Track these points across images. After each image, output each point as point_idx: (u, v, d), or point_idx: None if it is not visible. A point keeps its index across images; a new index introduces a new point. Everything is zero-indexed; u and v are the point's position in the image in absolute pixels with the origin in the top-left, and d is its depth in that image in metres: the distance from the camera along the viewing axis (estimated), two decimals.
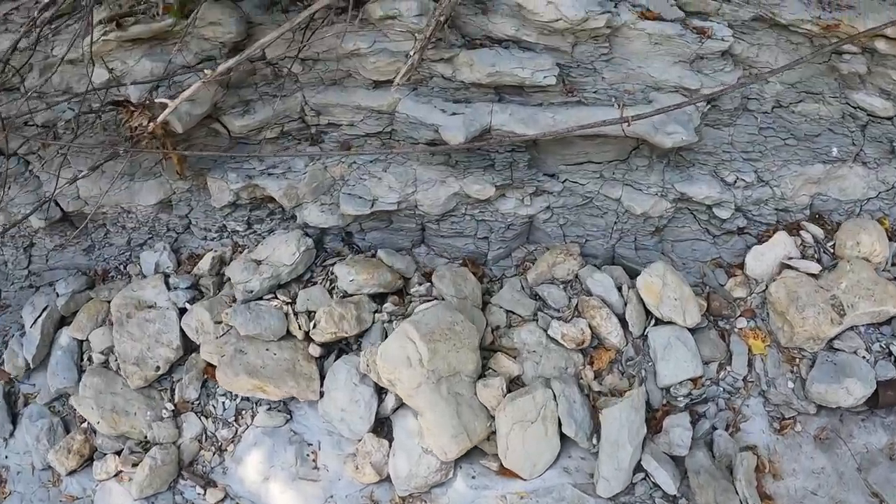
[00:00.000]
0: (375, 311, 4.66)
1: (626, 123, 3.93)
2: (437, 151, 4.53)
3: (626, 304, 4.73)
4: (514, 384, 4.50)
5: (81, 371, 5.15)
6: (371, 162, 4.79)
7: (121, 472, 4.80)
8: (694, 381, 4.53)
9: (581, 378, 4.64)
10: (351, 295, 4.66)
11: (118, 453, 4.86)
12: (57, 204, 5.17)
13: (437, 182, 4.69)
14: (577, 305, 4.77)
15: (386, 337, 4.53)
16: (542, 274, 4.92)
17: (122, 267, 5.41)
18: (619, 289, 4.78)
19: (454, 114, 4.36)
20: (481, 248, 5.03)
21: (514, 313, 4.82)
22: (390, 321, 4.63)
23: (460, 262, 5.05)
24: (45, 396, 5.23)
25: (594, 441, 4.37)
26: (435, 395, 4.12)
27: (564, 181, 4.76)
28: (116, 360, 4.89)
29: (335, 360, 4.61)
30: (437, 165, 4.69)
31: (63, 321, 5.38)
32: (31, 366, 5.26)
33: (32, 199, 5.09)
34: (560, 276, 4.89)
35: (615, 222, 4.84)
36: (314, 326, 4.51)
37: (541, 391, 4.34)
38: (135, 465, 4.72)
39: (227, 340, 4.63)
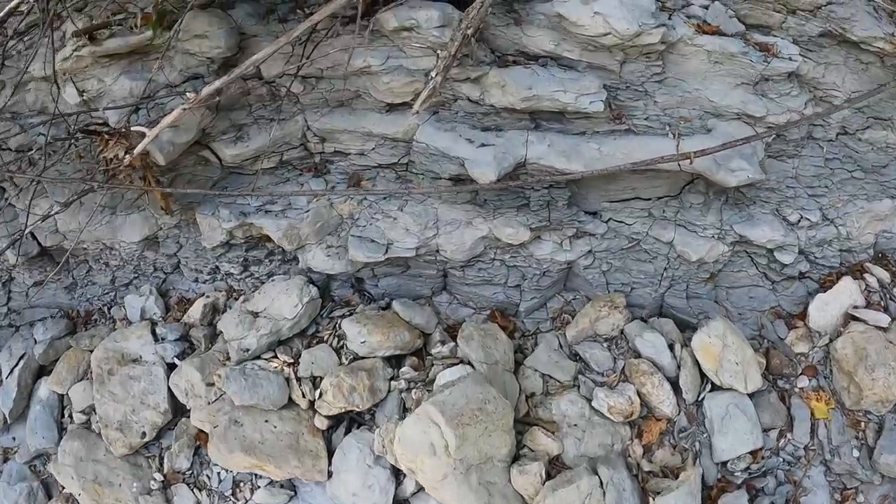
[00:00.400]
0: (391, 379, 4.01)
1: (688, 161, 3.33)
2: (462, 191, 3.85)
3: (679, 368, 4.11)
4: (554, 465, 3.85)
5: (63, 429, 4.58)
6: (385, 199, 4.12)
7: None
8: (753, 453, 4.00)
9: (629, 455, 3.99)
10: (362, 357, 4.01)
11: None
12: (34, 238, 4.60)
13: (462, 224, 4.02)
14: (623, 369, 4.14)
15: (404, 408, 3.92)
16: (584, 331, 4.27)
17: (106, 309, 4.81)
18: (671, 347, 4.16)
19: (483, 145, 3.73)
20: (512, 297, 4.37)
21: (551, 378, 4.15)
22: (408, 389, 3.99)
23: (488, 313, 4.39)
24: (24, 454, 4.67)
25: None
26: (463, 487, 3.48)
27: (608, 220, 4.12)
28: (99, 421, 4.30)
29: (345, 434, 3.97)
30: (462, 204, 4.03)
31: (42, 370, 4.80)
32: (9, 420, 4.69)
33: (9, 231, 4.52)
34: (603, 332, 4.25)
35: (665, 268, 4.22)
36: (320, 396, 3.88)
37: (586, 479, 3.67)
38: None
39: (220, 408, 4.02)
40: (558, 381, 4.15)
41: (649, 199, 4.06)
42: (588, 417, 4.00)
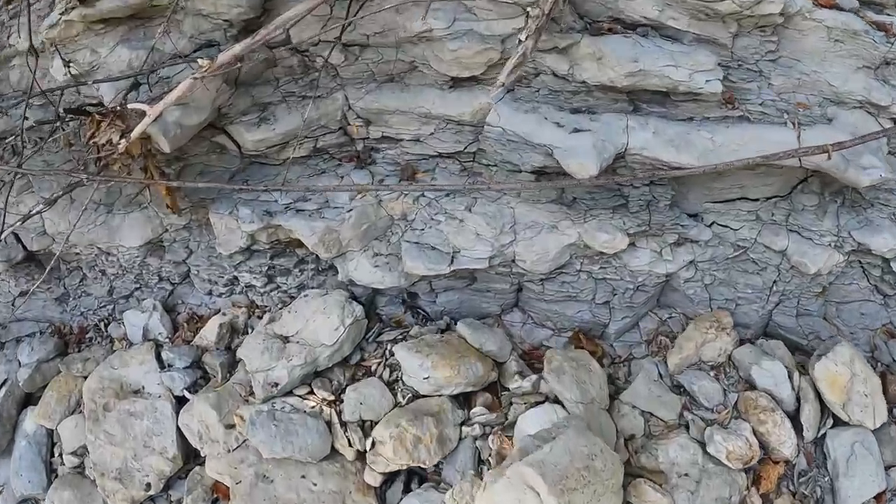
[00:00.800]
0: (462, 423, 3.19)
1: (826, 156, 2.74)
2: (551, 187, 3.02)
3: (798, 401, 3.49)
4: None
5: (52, 471, 3.80)
6: (448, 196, 3.29)
7: None
8: (878, 496, 3.47)
9: None
10: (424, 396, 3.20)
11: None
12: (18, 241, 3.85)
13: (545, 228, 3.23)
14: (736, 403, 3.47)
15: (478, 459, 3.13)
16: (688, 357, 3.55)
17: (102, 325, 4.02)
18: (790, 377, 3.53)
19: (577, 130, 3.01)
20: (600, 316, 3.58)
21: (653, 416, 3.42)
22: (484, 436, 3.17)
23: (569, 335, 3.57)
24: (9, 498, 3.90)
25: None
26: None
27: (711, 225, 3.46)
28: (93, 467, 3.51)
29: (403, 492, 3.17)
30: (545, 204, 3.23)
31: (29, 398, 4.02)
32: None
33: None
34: (709, 358, 3.57)
35: (775, 281, 3.58)
36: (372, 446, 3.06)
37: None
38: None
39: (243, 457, 3.22)
40: (662, 421, 3.44)
41: (757, 200, 3.44)
42: (702, 465, 3.30)
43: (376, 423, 3.14)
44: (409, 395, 3.20)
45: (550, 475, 2.67)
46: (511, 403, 3.24)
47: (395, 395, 3.22)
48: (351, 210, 3.28)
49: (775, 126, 3.07)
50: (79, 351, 3.99)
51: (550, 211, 3.26)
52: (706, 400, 3.47)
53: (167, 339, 3.74)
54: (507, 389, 3.32)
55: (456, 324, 3.49)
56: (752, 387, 3.52)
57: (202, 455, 3.39)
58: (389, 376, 3.28)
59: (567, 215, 3.24)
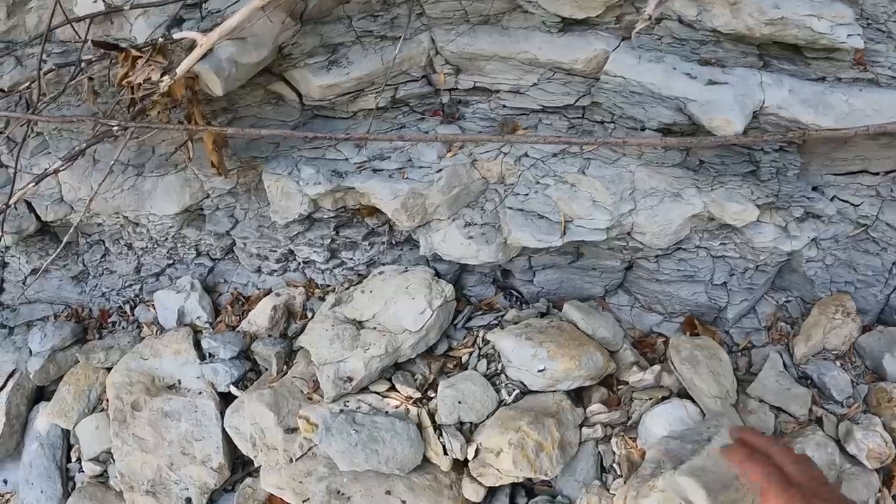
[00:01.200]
0: (581, 424, 2.63)
1: None
2: (694, 146, 2.49)
3: None
4: None
5: (69, 479, 3.23)
6: (556, 156, 2.74)
7: None
8: None
9: None
10: (535, 392, 2.64)
11: None
12: (31, 210, 3.28)
13: (668, 196, 2.70)
14: (865, 397, 3.00)
15: (601, 467, 2.56)
16: (815, 345, 3.07)
17: (128, 308, 3.45)
18: None
19: (712, 82, 2.51)
20: (716, 298, 3.06)
21: (782, 411, 2.89)
22: (606, 439, 2.62)
23: (681, 320, 3.06)
24: None
25: None
26: None
27: (833, 199, 2.98)
28: (119, 478, 2.94)
29: None
30: (669, 168, 2.69)
31: (41, 393, 3.45)
32: None
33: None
34: (833, 346, 3.09)
35: (894, 263, 3.12)
36: (476, 455, 2.49)
37: None
38: None
39: (310, 469, 2.64)
40: (792, 417, 2.93)
41: (877, 174, 2.97)
42: (840, 466, 2.81)
43: (477, 426, 2.57)
44: (516, 391, 2.63)
45: (712, 485, 2.12)
46: (632, 399, 2.68)
47: (497, 392, 2.65)
48: (441, 170, 2.72)
49: None
50: (100, 338, 3.41)
51: (675, 176, 2.72)
52: (837, 392, 2.99)
53: (208, 325, 3.17)
54: (625, 383, 2.76)
55: (555, 307, 2.94)
56: (880, 378, 3.06)
57: (255, 464, 2.81)
58: (487, 369, 2.71)
59: (693, 182, 2.70)
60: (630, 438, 2.62)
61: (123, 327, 3.40)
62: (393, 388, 2.69)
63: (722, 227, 2.85)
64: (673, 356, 2.73)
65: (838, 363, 3.11)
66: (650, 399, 2.66)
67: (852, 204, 2.97)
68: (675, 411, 2.65)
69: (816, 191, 2.95)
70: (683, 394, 2.73)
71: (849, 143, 2.81)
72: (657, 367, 2.72)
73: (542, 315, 2.91)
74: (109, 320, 3.46)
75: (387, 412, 2.58)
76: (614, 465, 2.58)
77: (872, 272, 3.14)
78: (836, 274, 3.16)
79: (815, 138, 2.71)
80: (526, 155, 2.75)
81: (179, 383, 3.01)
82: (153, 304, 3.32)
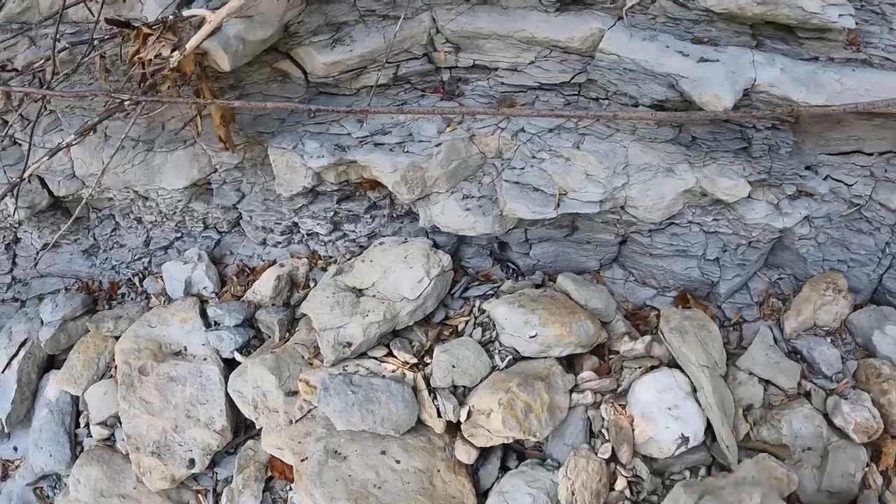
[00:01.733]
0: (572, 390, 2.72)
1: None
2: (684, 121, 2.57)
3: None
4: None
5: (77, 444, 3.34)
6: (552, 131, 2.83)
7: None
8: None
9: (868, 486, 2.92)
10: (526, 359, 2.73)
11: None
12: (44, 185, 3.38)
13: (661, 171, 2.80)
14: (855, 372, 3.10)
15: (590, 432, 2.65)
16: (805, 321, 3.15)
17: (137, 280, 3.55)
18: None
19: (704, 60, 2.64)
20: (709, 274, 3.15)
21: (771, 384, 2.99)
22: (596, 405, 2.70)
23: (674, 294, 3.14)
24: (28, 473, 3.43)
25: None
26: None
27: (826, 178, 3.07)
28: (126, 440, 3.04)
29: (500, 469, 2.69)
30: (662, 143, 2.78)
31: (52, 362, 3.55)
32: (5, 428, 3.46)
33: (12, 176, 3.26)
34: (824, 322, 3.19)
35: (888, 243, 3.20)
36: (468, 417, 2.58)
37: None
38: None
39: (309, 430, 2.74)
40: (780, 389, 3.02)
41: (871, 155, 3.05)
42: (827, 438, 2.92)
43: (470, 390, 2.66)
44: (509, 357, 2.73)
45: None
46: (622, 368, 2.77)
47: (491, 358, 2.74)
48: (440, 144, 2.81)
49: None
50: (109, 308, 3.52)
51: (667, 152, 2.82)
52: (827, 367, 3.08)
53: (214, 295, 3.27)
54: (616, 352, 2.85)
55: (550, 280, 3.03)
56: (870, 354, 3.14)
57: (257, 427, 2.91)
58: (482, 336, 2.80)
59: (686, 157, 2.80)
60: (619, 405, 2.70)
61: (132, 298, 3.50)
62: (390, 354, 2.78)
63: (714, 203, 2.93)
64: (663, 326, 2.81)
65: (829, 339, 3.19)
66: (640, 368, 2.74)
67: (846, 184, 3.05)
68: (664, 380, 2.74)
69: (810, 170, 3.04)
70: (673, 364, 2.82)
71: (842, 122, 2.91)
72: (648, 338, 2.80)
73: (538, 286, 3.00)
74: (119, 292, 3.56)
75: (384, 376, 2.67)
76: (602, 431, 2.66)
77: (865, 251, 3.22)
78: (829, 252, 3.25)
79: (808, 117, 2.80)
80: (522, 130, 2.84)
81: (185, 350, 3.11)
82: (161, 276, 3.42)
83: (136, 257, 3.59)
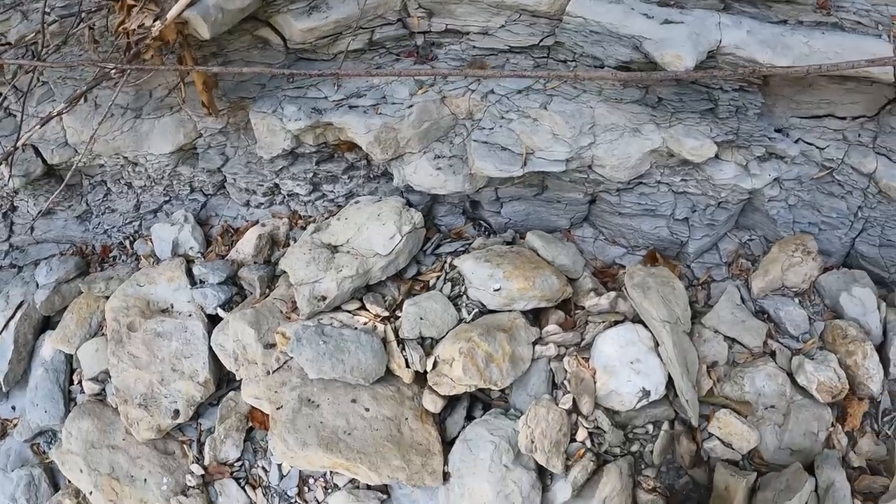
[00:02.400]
0: (535, 342, 2.83)
1: None
2: (646, 80, 2.66)
3: (885, 334, 3.17)
4: (753, 461, 2.77)
5: (70, 399, 3.47)
6: (520, 92, 2.92)
7: None
8: None
9: (832, 445, 3.01)
10: (493, 312, 2.83)
11: None
12: (38, 154, 3.50)
13: (627, 131, 2.88)
14: (822, 333, 3.17)
15: (553, 383, 2.75)
16: (773, 281, 3.22)
17: (128, 244, 3.68)
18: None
19: (668, 21, 2.74)
20: (678, 233, 3.23)
21: (736, 342, 3.06)
22: (558, 357, 2.81)
23: (644, 254, 3.22)
24: (25, 430, 3.57)
25: None
26: None
27: (797, 141, 3.13)
28: (115, 393, 3.17)
29: (466, 419, 2.81)
30: (628, 104, 2.86)
31: (47, 323, 3.69)
32: (3, 387, 3.60)
33: (7, 146, 3.39)
34: (793, 283, 3.25)
35: (860, 207, 3.25)
36: (434, 366, 2.70)
37: (807, 486, 2.62)
38: None
39: (285, 380, 2.86)
40: (745, 348, 3.10)
41: (844, 119, 3.10)
42: (790, 397, 2.99)
43: (437, 342, 2.77)
44: (475, 310, 2.84)
45: None
46: (587, 322, 2.87)
47: (458, 311, 2.85)
48: (412, 106, 2.91)
49: (870, 38, 2.78)
50: (101, 270, 3.65)
51: (633, 112, 2.90)
52: (793, 328, 3.15)
53: (199, 255, 3.39)
54: (582, 308, 2.95)
55: (521, 238, 3.13)
56: (837, 316, 3.21)
57: (237, 379, 3.04)
58: (451, 291, 2.91)
59: (652, 118, 2.87)
60: (582, 358, 2.80)
61: (123, 260, 3.63)
62: (363, 308, 2.89)
63: (683, 164, 3.01)
64: (626, 281, 2.90)
65: (797, 300, 3.25)
66: (604, 322, 2.83)
67: (817, 147, 3.11)
68: (627, 334, 2.83)
69: (781, 132, 3.10)
70: (637, 319, 2.91)
71: (813, 86, 2.96)
72: (613, 293, 2.90)
73: (508, 244, 3.10)
74: (111, 255, 3.69)
75: (356, 328, 2.79)
76: (565, 382, 2.76)
77: (837, 215, 3.28)
78: (800, 215, 3.31)
79: (778, 80, 2.86)
80: (492, 92, 2.93)
81: (172, 307, 3.23)
82: (150, 238, 3.54)
83: (127, 221, 3.71)
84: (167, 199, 3.59)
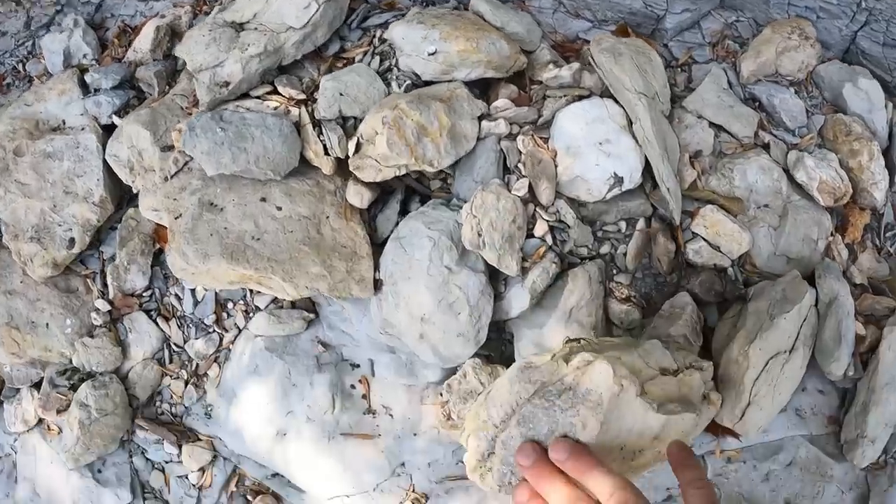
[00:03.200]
0: (481, 117, 2.33)
1: None
2: None
3: (892, 137, 2.72)
4: (744, 268, 2.33)
5: None
6: None
7: (44, 420, 2.74)
8: None
9: (832, 257, 2.59)
10: (430, 83, 2.34)
11: (37, 385, 2.78)
12: None
13: None
14: (821, 129, 2.71)
15: (504, 167, 2.27)
16: (765, 65, 2.73)
17: (20, 66, 3.16)
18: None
19: None
20: (653, 5, 2.71)
21: (724, 131, 2.59)
22: (510, 136, 2.32)
23: (613, 28, 2.72)
24: None
25: (851, 370, 2.36)
26: None
27: None
28: (6, 229, 2.72)
29: (400, 214, 2.34)
30: None
31: None
32: None
33: None
34: (787, 71, 2.76)
35: None
36: (358, 149, 2.21)
37: (807, 298, 2.18)
38: (61, 410, 2.66)
39: (184, 184, 2.38)
40: (734, 137, 2.62)
41: None
42: (786, 196, 2.54)
43: (361, 121, 2.28)
44: (408, 81, 2.33)
45: None
46: (545, 97, 2.37)
47: (388, 86, 2.35)
48: None
49: None
50: None
51: None
52: (789, 119, 2.67)
53: (94, 62, 2.88)
54: (539, 82, 2.44)
55: (465, 9, 2.60)
56: (839, 110, 2.75)
57: (134, 191, 2.57)
58: (380, 66, 2.40)
59: None
60: (540, 138, 2.31)
61: (17, 86, 3.12)
62: (275, 92, 2.39)
63: None
64: (593, 47, 2.39)
65: (792, 89, 2.79)
66: (566, 97, 2.34)
67: None
68: (594, 110, 2.34)
69: None
70: (607, 94, 2.41)
71: None
72: (576, 64, 2.39)
73: (457, 8, 2.57)
74: (5, 83, 3.18)
75: (264, 112, 2.29)
76: (519, 165, 2.28)
77: (837, 2, 2.78)
78: None
79: None
80: None
81: (64, 123, 2.74)
82: (43, 55, 3.03)
83: (18, 42, 3.18)
84: (59, 8, 3.06)
